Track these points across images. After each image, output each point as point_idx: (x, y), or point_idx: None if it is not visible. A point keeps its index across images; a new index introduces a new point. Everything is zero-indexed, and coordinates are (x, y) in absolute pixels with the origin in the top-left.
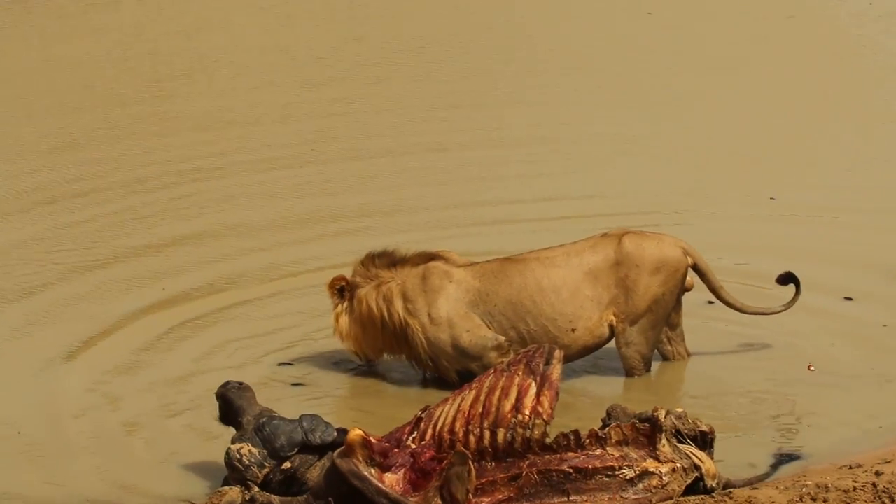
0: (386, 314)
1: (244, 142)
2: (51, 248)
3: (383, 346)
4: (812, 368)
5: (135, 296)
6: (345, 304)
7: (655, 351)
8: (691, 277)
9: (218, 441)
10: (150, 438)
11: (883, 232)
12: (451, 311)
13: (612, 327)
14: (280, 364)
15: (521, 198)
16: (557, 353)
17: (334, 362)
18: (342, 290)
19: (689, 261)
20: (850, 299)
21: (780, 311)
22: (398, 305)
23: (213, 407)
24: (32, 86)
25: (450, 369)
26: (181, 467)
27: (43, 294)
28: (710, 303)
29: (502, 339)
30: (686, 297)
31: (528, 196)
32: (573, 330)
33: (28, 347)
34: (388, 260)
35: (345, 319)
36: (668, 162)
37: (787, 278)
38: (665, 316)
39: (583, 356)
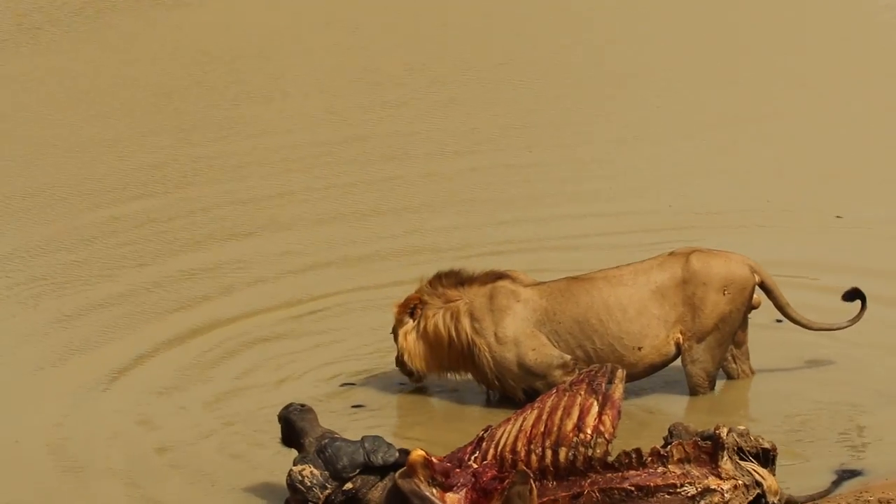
0: (454, 333)
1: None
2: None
3: (449, 365)
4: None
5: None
6: (413, 323)
7: (720, 370)
8: (758, 295)
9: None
10: (209, 461)
11: None
12: (517, 331)
13: (678, 345)
14: (343, 385)
15: (598, 211)
16: (620, 373)
17: (391, 382)
18: (413, 309)
19: (756, 279)
20: None
21: (846, 327)
22: (465, 324)
23: (274, 430)
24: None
25: (516, 388)
26: (243, 490)
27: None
28: (779, 321)
29: (568, 357)
30: (753, 315)
31: (601, 210)
32: (639, 348)
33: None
34: (456, 279)
35: (413, 338)
36: (741, 178)
37: (853, 294)
38: (731, 334)
39: (649, 374)
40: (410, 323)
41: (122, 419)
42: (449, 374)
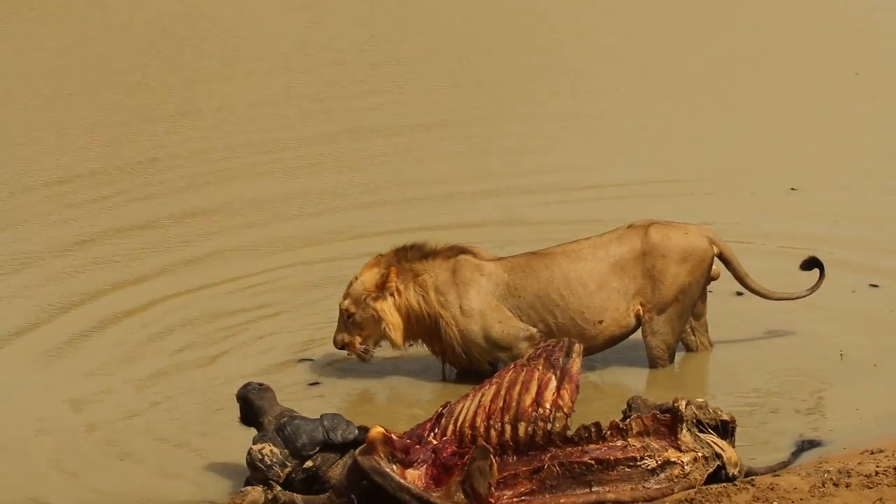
0: (423, 307)
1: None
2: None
3: (418, 338)
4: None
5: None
6: (392, 299)
7: (679, 342)
8: (717, 266)
9: (240, 440)
10: (170, 438)
11: None
12: (482, 303)
13: (638, 317)
14: (300, 360)
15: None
16: (577, 347)
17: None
18: (389, 285)
19: (715, 250)
20: (875, 286)
21: (805, 296)
22: (431, 298)
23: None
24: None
25: (482, 361)
26: (202, 469)
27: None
28: (739, 293)
29: (534, 329)
30: (713, 287)
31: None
32: (600, 322)
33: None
34: (419, 253)
35: (395, 312)
36: (700, 147)
37: (811, 263)
38: (691, 305)
39: (610, 346)
40: (390, 299)
41: (53, 398)
42: (417, 346)
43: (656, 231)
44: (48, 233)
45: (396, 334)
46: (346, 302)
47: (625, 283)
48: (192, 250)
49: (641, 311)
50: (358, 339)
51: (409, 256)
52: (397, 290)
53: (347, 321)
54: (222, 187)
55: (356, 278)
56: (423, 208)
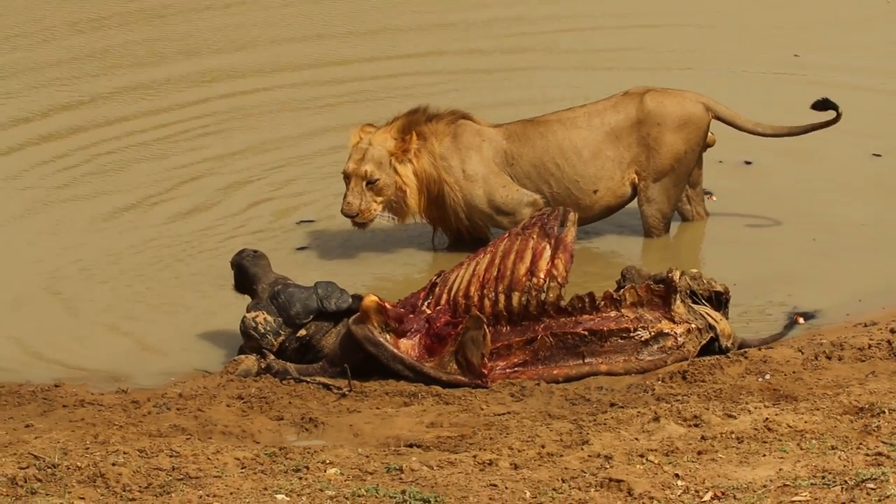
0: (430, 170)
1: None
2: None
3: (425, 205)
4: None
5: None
6: (409, 163)
7: (675, 213)
8: (713, 133)
9: (232, 309)
10: (162, 309)
11: None
12: (485, 168)
13: (634, 186)
14: (300, 222)
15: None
16: (572, 216)
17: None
18: (407, 147)
19: (711, 116)
20: (878, 155)
21: (831, 124)
22: (437, 163)
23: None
24: None
25: (484, 227)
26: (196, 337)
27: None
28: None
29: (537, 196)
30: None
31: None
32: (595, 191)
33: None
34: (424, 116)
35: (414, 176)
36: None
37: (824, 104)
38: (687, 173)
39: (606, 216)
40: (409, 164)
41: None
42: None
43: (652, 98)
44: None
45: (415, 199)
46: (369, 166)
47: (620, 151)
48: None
49: (637, 180)
50: (374, 206)
51: (417, 120)
52: (416, 154)
53: (366, 187)
54: None
55: (370, 143)
56: None
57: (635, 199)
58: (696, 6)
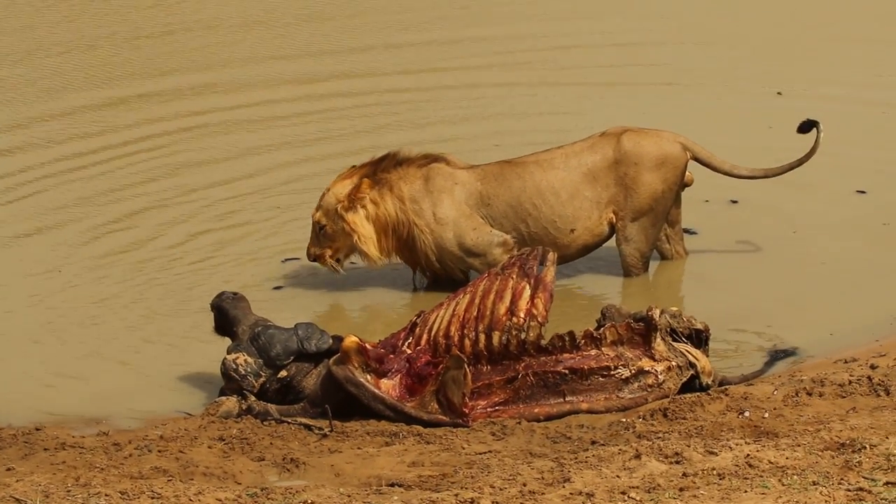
0: (399, 216)
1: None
2: None
3: (393, 249)
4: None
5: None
6: (364, 210)
7: (654, 251)
8: (691, 172)
9: (213, 354)
10: (143, 351)
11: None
12: (456, 211)
13: (612, 226)
14: (285, 260)
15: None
16: (551, 256)
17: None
18: (361, 197)
19: (689, 155)
20: (862, 192)
21: (803, 162)
22: (406, 207)
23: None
24: None
25: (455, 269)
26: (177, 379)
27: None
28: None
29: (507, 235)
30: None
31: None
32: (573, 231)
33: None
34: (393, 161)
35: (367, 224)
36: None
37: (808, 125)
38: (665, 212)
39: (583, 255)
40: (361, 210)
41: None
42: (391, 259)
43: (629, 138)
44: None
45: (369, 247)
46: (318, 214)
47: (597, 191)
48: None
49: (615, 220)
50: (328, 252)
51: (384, 167)
52: (373, 201)
53: (319, 233)
54: None
55: (328, 190)
56: None
57: (614, 239)
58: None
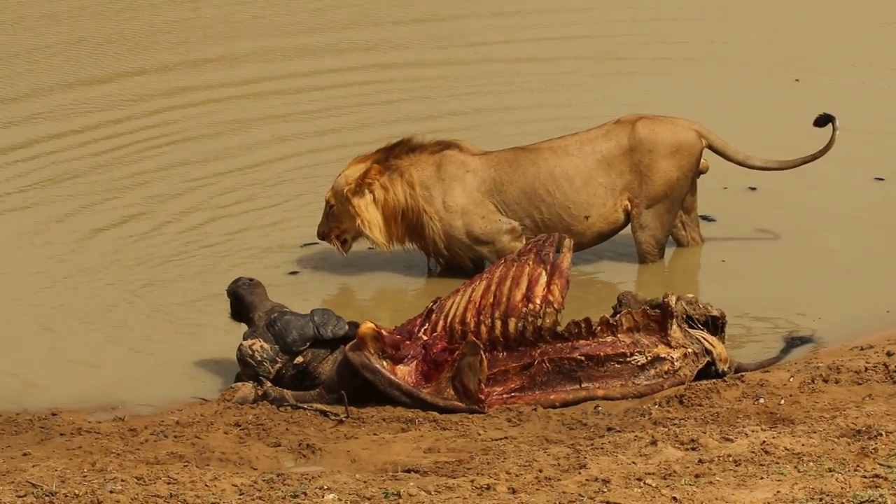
0: (409, 202)
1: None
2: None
3: (401, 235)
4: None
5: None
6: (372, 195)
7: (669, 238)
8: (706, 160)
9: (232, 337)
10: (160, 337)
11: None
12: (466, 200)
13: (627, 213)
14: (304, 245)
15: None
16: (567, 242)
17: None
18: (371, 182)
19: (704, 143)
20: (881, 179)
21: (819, 156)
22: (417, 193)
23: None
24: None
25: (464, 256)
26: (192, 365)
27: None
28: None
29: (516, 223)
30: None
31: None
32: (587, 217)
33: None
34: (406, 148)
35: (374, 209)
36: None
37: (824, 119)
38: (680, 199)
39: (598, 242)
40: (368, 195)
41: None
42: (404, 245)
43: (643, 126)
44: None
45: (374, 231)
46: (329, 193)
47: (612, 178)
48: None
49: (630, 207)
50: (335, 232)
51: (396, 153)
52: (383, 186)
53: (329, 213)
54: None
55: (341, 172)
56: None
57: (630, 226)
58: None
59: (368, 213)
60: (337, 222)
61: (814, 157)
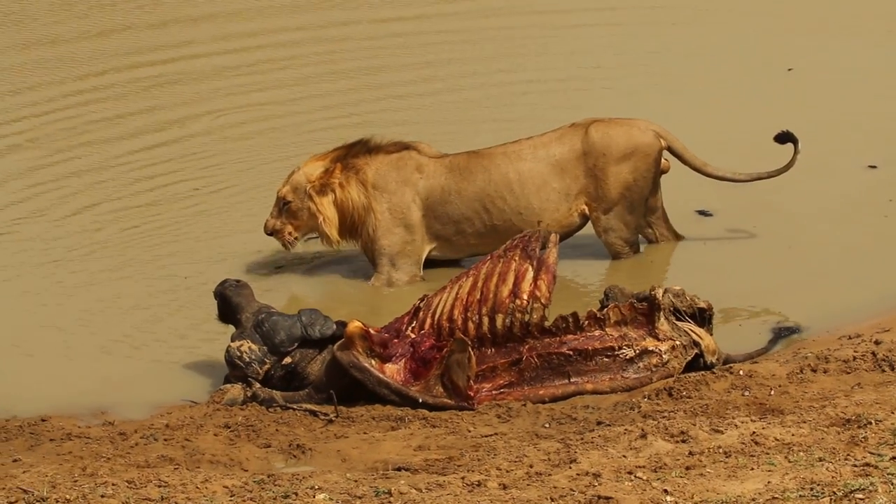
0: (361, 200)
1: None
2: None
3: (347, 232)
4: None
5: None
6: (332, 194)
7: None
8: (667, 159)
9: (217, 341)
10: (148, 340)
11: None
12: (410, 214)
13: (584, 216)
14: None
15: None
16: (553, 237)
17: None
18: (329, 180)
19: (663, 143)
20: (873, 167)
21: (777, 174)
22: (369, 192)
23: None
24: None
25: (373, 258)
26: (181, 367)
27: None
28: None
29: (420, 274)
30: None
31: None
32: (539, 223)
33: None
34: (364, 147)
35: (333, 207)
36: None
37: (784, 137)
38: (641, 201)
39: None
40: (330, 194)
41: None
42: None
43: (596, 129)
44: None
45: (331, 229)
46: (285, 189)
47: (566, 183)
48: None
49: (588, 211)
50: (288, 228)
51: (355, 152)
52: (340, 184)
53: (282, 208)
54: None
55: (299, 168)
56: None
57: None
58: None
59: (329, 211)
60: (292, 218)
61: (769, 176)
